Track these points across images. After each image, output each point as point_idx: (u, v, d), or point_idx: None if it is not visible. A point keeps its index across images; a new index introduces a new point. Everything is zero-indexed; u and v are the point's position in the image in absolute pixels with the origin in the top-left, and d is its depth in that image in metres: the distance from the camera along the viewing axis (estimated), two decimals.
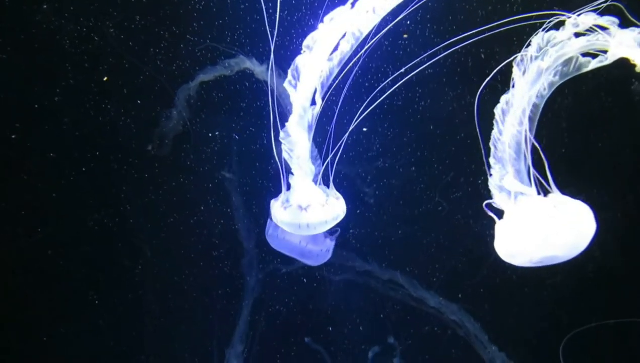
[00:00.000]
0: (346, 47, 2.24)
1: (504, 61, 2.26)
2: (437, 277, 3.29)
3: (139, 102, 3.01)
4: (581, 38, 2.09)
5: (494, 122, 2.23)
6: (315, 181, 2.51)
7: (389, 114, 2.99)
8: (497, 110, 2.22)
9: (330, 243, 2.99)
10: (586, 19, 2.04)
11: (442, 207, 3.13)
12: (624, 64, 2.41)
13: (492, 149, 2.23)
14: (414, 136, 3.06)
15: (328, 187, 2.59)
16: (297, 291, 3.39)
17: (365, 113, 2.62)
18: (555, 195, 2.17)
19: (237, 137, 3.10)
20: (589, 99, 2.86)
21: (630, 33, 1.97)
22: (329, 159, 2.59)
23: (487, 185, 2.28)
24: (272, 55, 2.47)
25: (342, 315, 3.45)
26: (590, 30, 2.06)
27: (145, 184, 3.19)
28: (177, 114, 3.02)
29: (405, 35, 2.80)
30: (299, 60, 2.24)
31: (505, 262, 2.29)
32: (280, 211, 2.53)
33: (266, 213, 2.73)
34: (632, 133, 2.94)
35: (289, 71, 2.25)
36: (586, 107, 2.89)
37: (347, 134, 2.61)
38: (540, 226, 2.09)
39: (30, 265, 3.28)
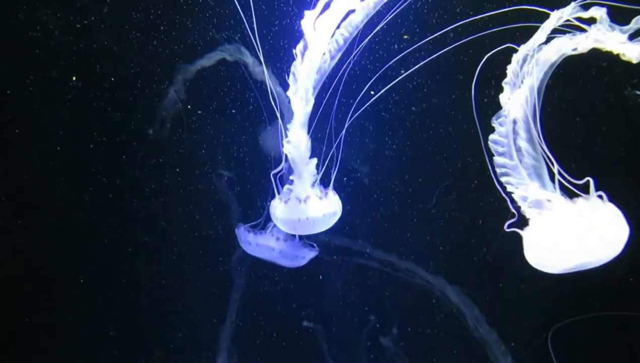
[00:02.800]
0: (346, 34, 2.29)
1: (502, 64, 2.26)
2: (440, 268, 3.32)
3: (131, 89, 3.07)
4: (553, 44, 2.11)
5: (500, 137, 2.20)
6: (314, 181, 2.54)
7: (385, 110, 3.04)
8: (498, 125, 2.20)
9: (308, 252, 3.03)
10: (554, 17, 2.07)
11: (435, 209, 3.17)
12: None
13: (504, 161, 2.19)
14: (412, 133, 3.11)
15: (326, 188, 2.61)
16: (296, 277, 3.40)
17: (361, 110, 2.67)
18: (584, 199, 2.09)
19: (231, 132, 3.17)
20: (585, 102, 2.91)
21: (603, 24, 1.98)
22: (329, 156, 2.63)
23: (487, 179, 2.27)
24: (254, 35, 2.50)
25: (339, 300, 3.48)
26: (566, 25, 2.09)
27: (140, 176, 3.23)
28: (175, 98, 3.07)
29: (405, 37, 2.84)
30: (298, 48, 2.27)
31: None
32: (279, 207, 2.56)
33: (260, 204, 2.77)
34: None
35: (296, 50, 2.26)
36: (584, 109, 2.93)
37: (344, 131, 2.66)
38: (573, 233, 2.04)
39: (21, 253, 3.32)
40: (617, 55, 1.97)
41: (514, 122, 2.17)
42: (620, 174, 2.93)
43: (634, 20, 1.96)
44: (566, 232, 2.05)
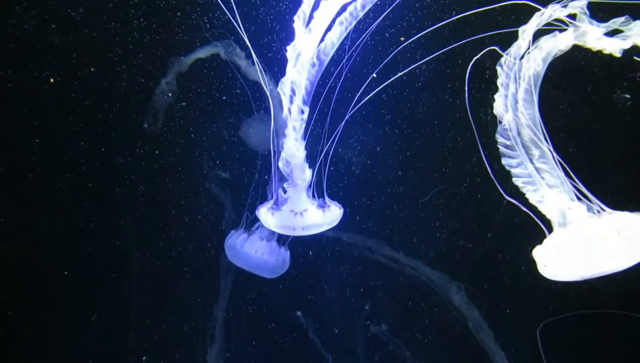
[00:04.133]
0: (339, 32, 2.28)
1: (494, 66, 2.30)
2: (438, 261, 3.34)
3: (113, 81, 3.10)
4: (536, 52, 2.13)
5: (505, 145, 2.21)
6: (309, 187, 2.53)
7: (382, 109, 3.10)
8: (503, 139, 2.21)
9: (285, 253, 3.04)
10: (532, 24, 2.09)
11: (435, 201, 3.20)
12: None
13: (519, 171, 2.19)
14: (410, 125, 3.14)
15: (323, 198, 2.60)
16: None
17: (357, 107, 2.70)
18: (607, 213, 2.07)
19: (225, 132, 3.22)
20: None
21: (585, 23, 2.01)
22: (326, 149, 2.66)
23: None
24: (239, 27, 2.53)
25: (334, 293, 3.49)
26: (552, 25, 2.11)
27: (125, 165, 3.26)
28: (165, 89, 3.10)
29: (402, 38, 2.86)
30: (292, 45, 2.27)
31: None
32: (270, 216, 2.53)
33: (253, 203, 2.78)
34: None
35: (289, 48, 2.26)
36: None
37: (342, 123, 2.69)
38: (596, 252, 2.00)
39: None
40: (599, 51, 1.99)
41: (519, 134, 2.19)
42: (620, 175, 2.95)
43: (611, 21, 1.99)
44: (589, 251, 2.02)
